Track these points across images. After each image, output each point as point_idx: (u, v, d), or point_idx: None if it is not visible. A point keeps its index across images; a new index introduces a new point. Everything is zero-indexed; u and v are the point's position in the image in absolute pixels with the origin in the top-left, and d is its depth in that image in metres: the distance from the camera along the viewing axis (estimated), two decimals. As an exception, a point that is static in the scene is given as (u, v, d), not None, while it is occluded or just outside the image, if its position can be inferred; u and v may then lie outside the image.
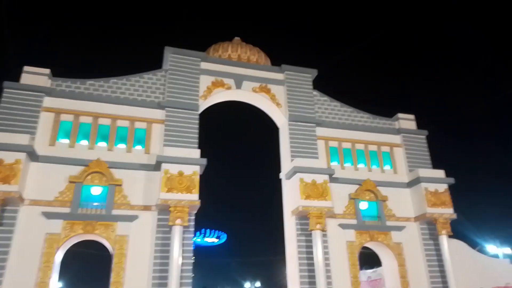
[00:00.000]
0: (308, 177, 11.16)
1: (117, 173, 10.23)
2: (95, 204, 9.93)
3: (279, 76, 13.15)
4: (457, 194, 13.48)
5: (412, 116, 13.82)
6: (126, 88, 11.47)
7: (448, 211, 11.86)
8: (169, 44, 12.26)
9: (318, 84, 13.61)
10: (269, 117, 13.45)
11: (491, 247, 26.00)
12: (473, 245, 20.16)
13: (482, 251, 21.34)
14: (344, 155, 12.74)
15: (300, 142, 12.24)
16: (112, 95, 11.27)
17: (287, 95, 12.85)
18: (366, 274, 15.68)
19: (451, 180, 12.31)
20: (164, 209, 9.88)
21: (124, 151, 10.77)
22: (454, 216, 11.90)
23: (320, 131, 12.72)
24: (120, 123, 11.04)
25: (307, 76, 13.38)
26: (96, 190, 10.09)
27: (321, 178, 11.22)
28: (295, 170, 11.25)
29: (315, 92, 13.35)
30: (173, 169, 9.95)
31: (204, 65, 12.42)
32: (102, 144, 10.69)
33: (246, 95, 12.84)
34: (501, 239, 27.00)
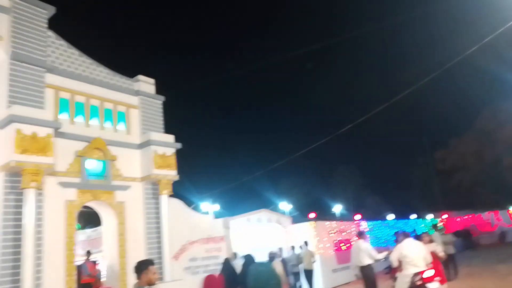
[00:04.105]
0: (28, 129, 9.67)
1: None
2: None
3: (3, 1, 10.69)
4: (185, 157, 14.85)
5: (152, 80, 14.03)
6: None
7: (171, 173, 12.87)
8: None
9: (55, 26, 11.92)
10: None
11: (205, 205, 30.44)
12: (190, 203, 22.91)
13: (196, 208, 24.66)
14: (76, 109, 11.75)
15: (23, 87, 10.42)
16: None
17: (12, 28, 10.59)
18: (86, 233, 15.31)
19: (178, 145, 13.37)
20: None
21: None
22: (177, 177, 13.04)
23: (51, 78, 11.19)
24: None
25: (42, 12, 11.41)
26: None
27: (44, 131, 9.94)
28: (12, 119, 9.52)
29: (50, 33, 11.60)
30: None
31: None
32: None
33: None
34: (213, 197, 31.96)
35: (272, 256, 10.40)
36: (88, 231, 15.39)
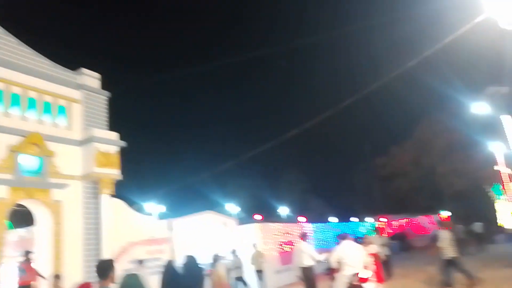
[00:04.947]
0: (-45, 120, 8.97)
1: None
2: None
3: None
4: (130, 157, 14.36)
5: (97, 75, 13.45)
6: None
7: (114, 172, 12.41)
8: None
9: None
10: None
11: (150, 206, 29.67)
12: (134, 204, 22.23)
13: (141, 209, 23.96)
14: (11, 101, 11.00)
15: (-50, 74, 9.63)
16: None
17: None
18: (18, 233, 14.33)
19: (123, 143, 12.93)
20: None
21: None
22: (120, 177, 12.59)
23: (-17, 67, 10.45)
24: None
25: (-24, -6, 10.63)
26: None
27: (-27, 123, 9.26)
28: None
29: (-15, 18, 10.82)
30: None
31: None
32: None
33: None
34: (159, 198, 31.26)
35: (215, 259, 10.33)
36: (20, 231, 14.40)
